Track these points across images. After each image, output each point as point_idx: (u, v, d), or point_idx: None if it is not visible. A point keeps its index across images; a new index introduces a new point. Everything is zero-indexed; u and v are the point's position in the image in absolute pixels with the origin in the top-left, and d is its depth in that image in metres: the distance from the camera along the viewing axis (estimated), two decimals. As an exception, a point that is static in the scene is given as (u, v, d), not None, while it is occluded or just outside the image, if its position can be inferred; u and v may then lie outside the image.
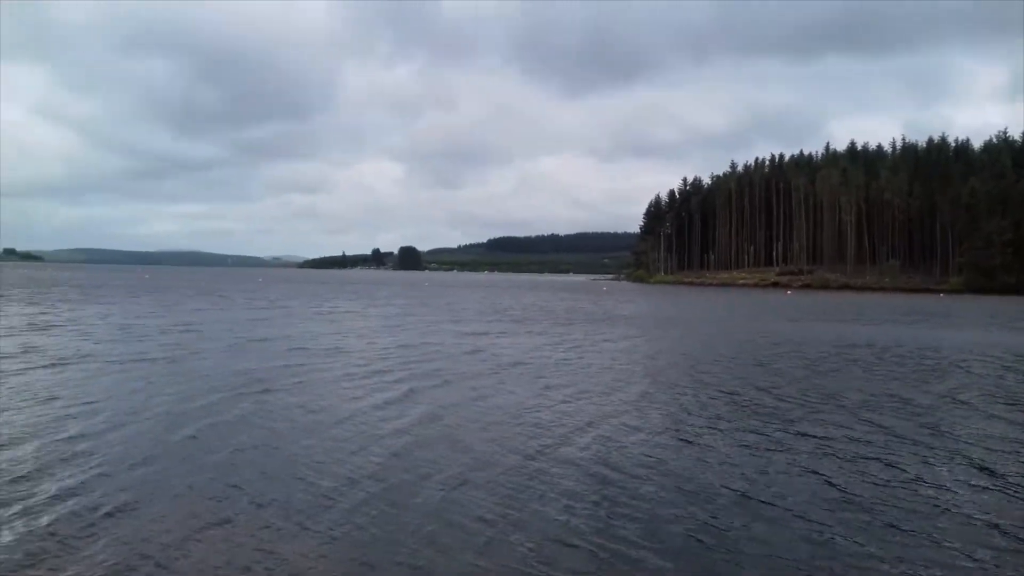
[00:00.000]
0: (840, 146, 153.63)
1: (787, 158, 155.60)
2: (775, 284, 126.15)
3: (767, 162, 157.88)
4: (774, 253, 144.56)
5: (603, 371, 17.47)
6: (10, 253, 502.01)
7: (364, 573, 5.87)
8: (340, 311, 40.23)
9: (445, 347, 22.29)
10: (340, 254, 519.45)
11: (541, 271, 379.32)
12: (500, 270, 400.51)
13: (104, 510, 6.98)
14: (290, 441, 9.97)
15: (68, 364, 16.84)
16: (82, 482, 7.83)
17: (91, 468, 8.35)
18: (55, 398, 12.63)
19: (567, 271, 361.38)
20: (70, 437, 9.79)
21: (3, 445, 9.27)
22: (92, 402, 12.32)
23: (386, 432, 10.54)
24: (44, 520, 6.68)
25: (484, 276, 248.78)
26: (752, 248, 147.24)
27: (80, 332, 24.67)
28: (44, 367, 16.28)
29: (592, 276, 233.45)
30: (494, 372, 17.12)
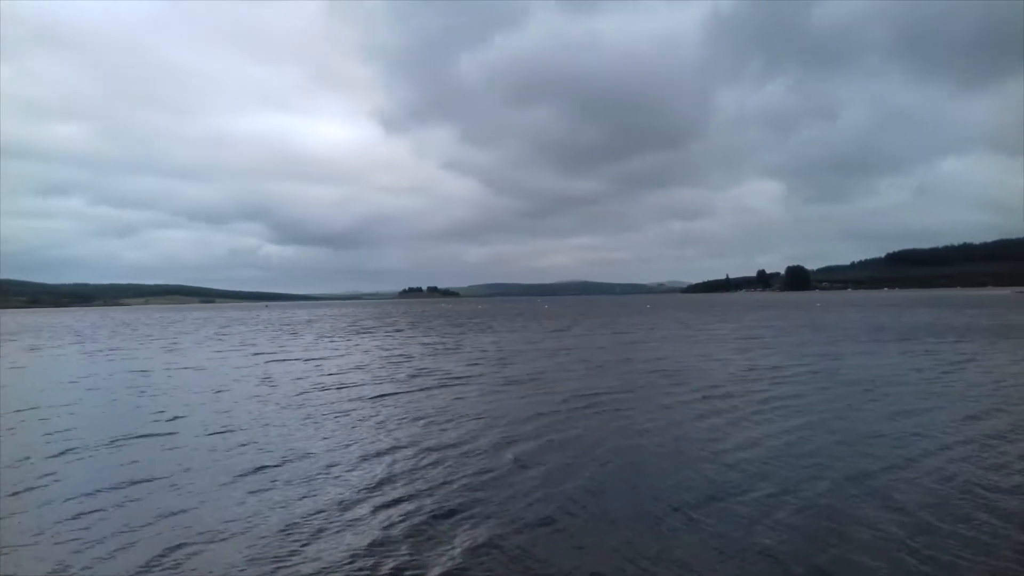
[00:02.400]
0: None
1: None
2: None
3: None
4: None
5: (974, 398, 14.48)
6: (433, 290, 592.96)
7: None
8: (702, 335, 39.68)
9: (793, 369, 20.70)
10: (724, 277, 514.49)
11: (951, 285, 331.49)
12: (901, 286, 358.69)
13: (427, 515, 7.85)
14: (622, 457, 10.06)
15: (448, 386, 19.27)
16: (413, 491, 8.90)
17: (422, 477, 9.47)
18: (422, 417, 14.55)
19: (984, 284, 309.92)
20: (422, 448, 11.24)
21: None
22: (451, 419, 13.95)
23: (699, 455, 10.10)
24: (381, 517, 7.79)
25: (882, 294, 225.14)
26: None
27: (467, 357, 28.07)
28: (426, 389, 18.87)
29: (1017, 289, 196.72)
30: (843, 396, 15.35)
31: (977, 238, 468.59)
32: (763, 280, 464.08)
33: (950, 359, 23.22)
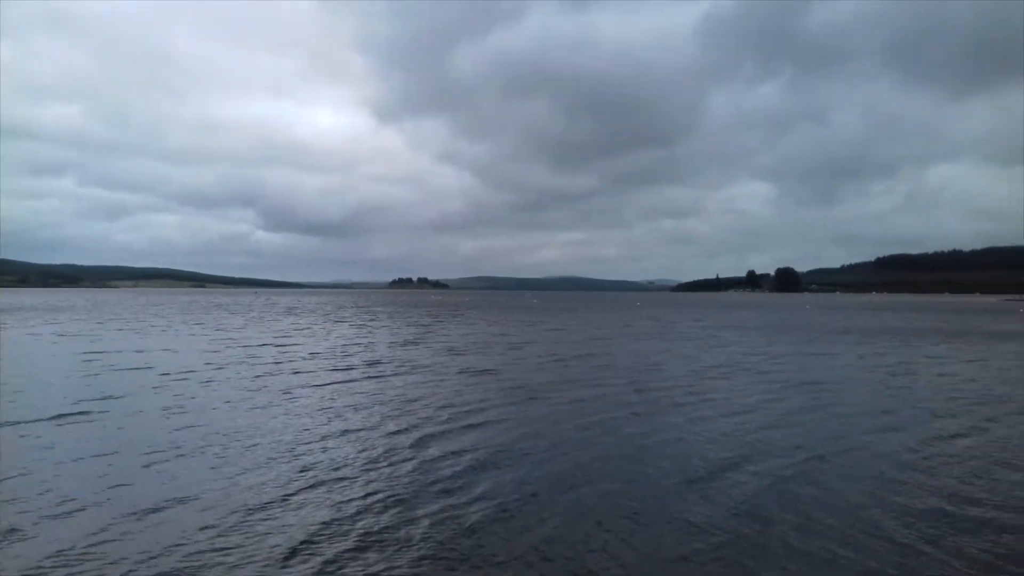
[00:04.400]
0: None
1: None
2: None
3: None
4: None
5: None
6: (423, 281, 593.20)
7: None
8: (676, 332, 39.91)
9: (746, 365, 20.95)
10: (714, 277, 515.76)
11: (940, 291, 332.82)
12: (890, 291, 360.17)
13: (338, 498, 8.10)
14: (530, 447, 10.29)
15: (402, 374, 19.53)
16: (329, 474, 9.14)
17: (343, 461, 9.70)
18: (365, 404, 14.79)
19: (972, 290, 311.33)
20: (352, 433, 11.46)
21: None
22: (392, 406, 14.20)
23: (599, 444, 10.36)
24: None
25: (870, 297, 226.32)
26: None
27: (435, 348, 28.29)
28: (381, 376, 19.11)
29: (1004, 297, 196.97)
30: (775, 392, 15.63)
31: (966, 245, 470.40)
32: (752, 281, 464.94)
33: (901, 360, 23.61)
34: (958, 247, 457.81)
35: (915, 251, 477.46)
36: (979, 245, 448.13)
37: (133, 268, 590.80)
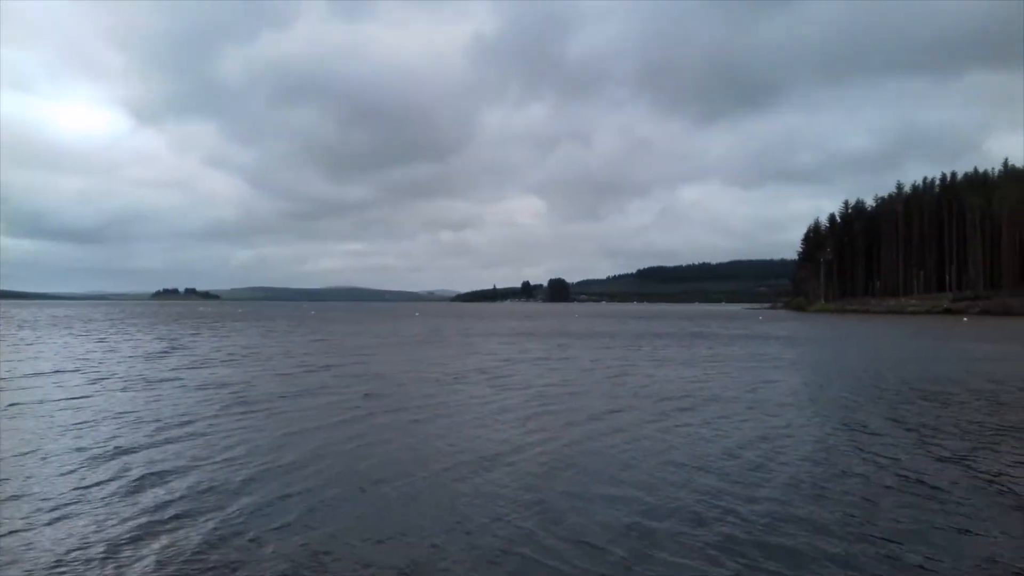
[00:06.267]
0: (1018, 163, 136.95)
1: (960, 176, 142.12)
2: (948, 311, 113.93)
3: (937, 182, 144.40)
4: (946, 278, 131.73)
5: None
6: (191, 292, 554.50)
7: None
8: (439, 339, 40.92)
9: (493, 372, 22.12)
10: (491, 287, 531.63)
11: (692, 301, 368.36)
12: (650, 300, 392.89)
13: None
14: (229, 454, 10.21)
15: (131, 390, 18.26)
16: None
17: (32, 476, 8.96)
18: (76, 423, 13.71)
19: (720, 300, 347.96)
20: (65, 452, 10.56)
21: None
22: (109, 422, 13.35)
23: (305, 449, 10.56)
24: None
25: (632, 306, 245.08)
26: (922, 273, 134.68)
27: (177, 362, 26.71)
28: (108, 391, 17.77)
29: (746, 305, 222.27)
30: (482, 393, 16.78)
31: (714, 259, 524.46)
32: (527, 291, 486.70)
33: (631, 363, 26.21)
34: (707, 260, 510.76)
35: (670, 264, 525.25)
36: (725, 259, 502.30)
37: None
